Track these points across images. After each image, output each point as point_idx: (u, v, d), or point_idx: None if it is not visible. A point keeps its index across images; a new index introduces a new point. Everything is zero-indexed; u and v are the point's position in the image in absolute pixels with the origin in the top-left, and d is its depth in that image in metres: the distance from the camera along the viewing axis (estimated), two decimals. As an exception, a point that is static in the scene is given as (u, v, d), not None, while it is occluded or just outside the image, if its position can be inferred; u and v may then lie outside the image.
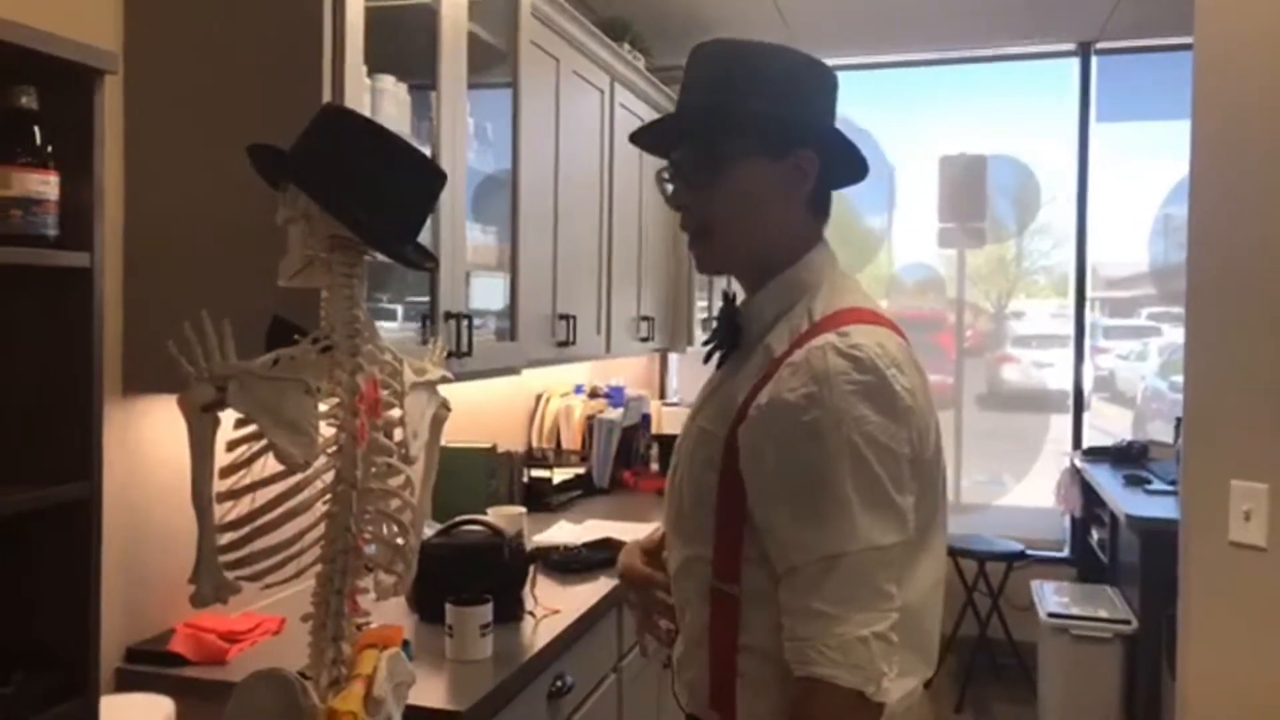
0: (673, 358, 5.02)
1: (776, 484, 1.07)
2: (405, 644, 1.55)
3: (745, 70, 1.17)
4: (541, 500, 3.20)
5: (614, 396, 3.76)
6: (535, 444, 3.58)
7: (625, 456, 3.71)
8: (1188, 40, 2.09)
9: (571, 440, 3.58)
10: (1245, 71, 2.01)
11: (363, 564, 1.35)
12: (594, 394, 3.80)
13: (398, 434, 1.38)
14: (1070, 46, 4.56)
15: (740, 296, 1.27)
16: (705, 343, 1.28)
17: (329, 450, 1.31)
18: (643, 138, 1.27)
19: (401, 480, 1.37)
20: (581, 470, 3.51)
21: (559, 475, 3.36)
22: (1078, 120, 4.60)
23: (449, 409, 1.50)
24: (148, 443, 1.89)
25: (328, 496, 1.32)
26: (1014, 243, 5.14)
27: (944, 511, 1.19)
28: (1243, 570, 1.99)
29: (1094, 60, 4.53)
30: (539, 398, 3.64)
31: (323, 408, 1.32)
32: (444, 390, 1.52)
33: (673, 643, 1.30)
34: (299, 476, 1.29)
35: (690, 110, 1.21)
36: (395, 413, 1.37)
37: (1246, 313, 2.00)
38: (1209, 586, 2.06)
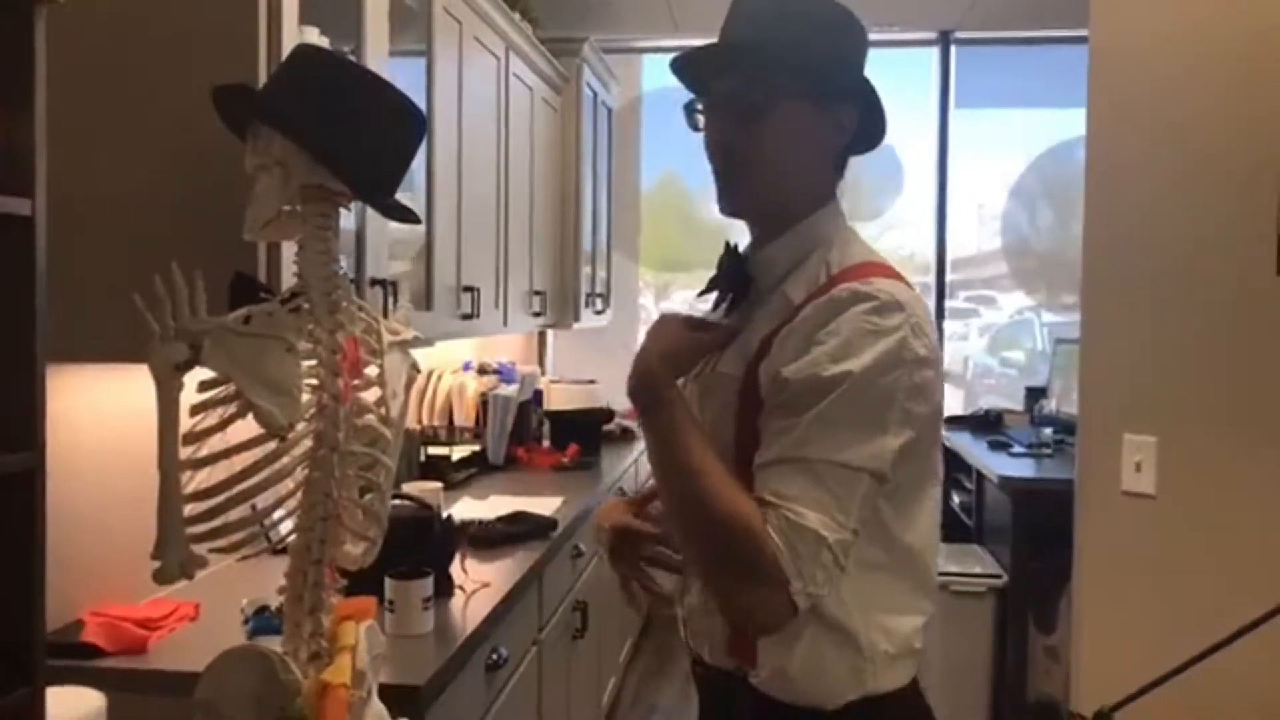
0: (550, 334, 4.97)
1: (783, 392, 1.09)
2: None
3: (796, 11, 1.16)
4: (440, 477, 3.11)
5: (505, 373, 3.70)
6: (426, 421, 3.48)
7: (518, 433, 3.67)
8: (1044, 34, 2.25)
9: (464, 417, 3.50)
10: (1136, 62, 2.17)
11: (341, 532, 1.29)
12: (483, 370, 3.73)
13: (374, 393, 1.32)
14: (931, 35, 4.78)
15: (741, 246, 1.27)
16: (703, 292, 1.28)
17: (308, 413, 1.24)
18: (685, 64, 1.21)
19: (381, 443, 1.31)
20: (476, 447, 3.45)
21: (456, 453, 3.29)
22: (938, 108, 4.82)
23: (419, 370, 1.44)
24: (62, 418, 1.72)
25: (306, 462, 1.25)
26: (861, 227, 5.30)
27: (939, 461, 1.24)
28: (1134, 517, 2.16)
29: (953, 49, 4.77)
30: (430, 374, 3.54)
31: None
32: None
33: (671, 598, 1.29)
34: (276, 441, 1.22)
35: (745, 43, 1.17)
36: (372, 371, 1.31)
37: (1135, 283, 2.17)
38: (1103, 533, 2.23)
